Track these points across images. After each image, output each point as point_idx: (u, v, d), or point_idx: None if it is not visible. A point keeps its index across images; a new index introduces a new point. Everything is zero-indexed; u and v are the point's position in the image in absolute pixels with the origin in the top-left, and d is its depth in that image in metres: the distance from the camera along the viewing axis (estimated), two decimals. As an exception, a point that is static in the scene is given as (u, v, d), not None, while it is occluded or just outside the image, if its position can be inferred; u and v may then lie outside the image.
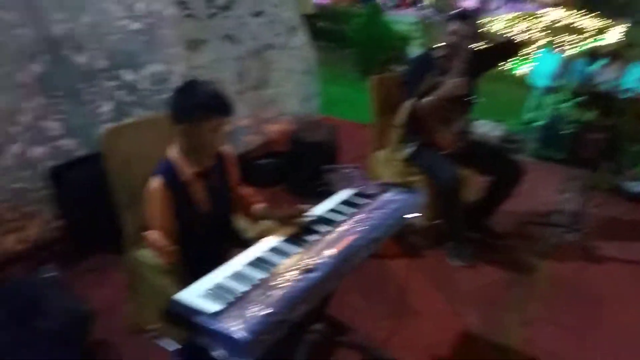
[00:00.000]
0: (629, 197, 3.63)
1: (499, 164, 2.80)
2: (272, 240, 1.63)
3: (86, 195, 2.68)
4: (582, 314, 2.45)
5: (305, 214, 1.72)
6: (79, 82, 2.81)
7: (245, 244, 1.87)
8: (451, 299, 2.52)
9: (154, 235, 1.65)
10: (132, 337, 2.15)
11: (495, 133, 4.45)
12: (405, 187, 1.98)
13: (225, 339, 1.17)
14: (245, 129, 3.94)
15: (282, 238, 1.63)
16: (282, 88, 4.22)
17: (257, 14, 3.93)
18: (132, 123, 2.16)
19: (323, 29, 8.69)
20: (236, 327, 1.17)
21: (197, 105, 1.57)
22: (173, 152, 1.68)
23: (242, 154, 3.83)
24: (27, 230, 2.61)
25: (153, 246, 1.66)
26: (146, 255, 1.90)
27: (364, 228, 1.64)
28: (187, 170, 1.67)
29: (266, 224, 1.88)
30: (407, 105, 2.71)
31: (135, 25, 3.12)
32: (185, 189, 1.68)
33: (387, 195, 1.90)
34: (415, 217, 1.87)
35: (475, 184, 2.92)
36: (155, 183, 1.63)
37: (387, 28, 7.27)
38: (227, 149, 1.83)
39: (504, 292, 2.60)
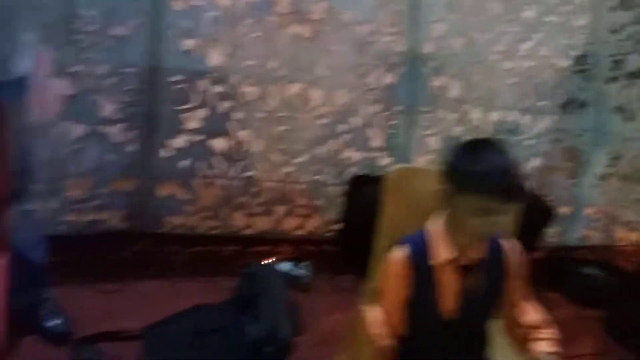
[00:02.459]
0: None
1: None
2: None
3: (373, 214, 2.55)
4: None
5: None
6: (426, 105, 2.64)
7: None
8: None
9: (373, 315, 1.30)
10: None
11: None
12: None
13: None
14: (588, 221, 3.10)
15: None
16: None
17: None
18: (425, 170, 1.82)
19: None
20: None
21: (469, 173, 1.11)
22: (434, 224, 1.26)
23: (567, 247, 3.05)
24: (309, 221, 2.65)
25: (369, 327, 1.31)
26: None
27: None
28: (442, 253, 1.22)
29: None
30: None
31: (510, 65, 2.75)
32: (430, 276, 1.24)
33: None
34: None
35: None
36: (398, 255, 1.25)
37: None
38: (512, 243, 1.29)
39: None
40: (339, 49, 2.45)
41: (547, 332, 1.26)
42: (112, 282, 2.19)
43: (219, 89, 2.29)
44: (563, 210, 2.99)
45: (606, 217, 3.11)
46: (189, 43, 2.20)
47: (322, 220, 2.68)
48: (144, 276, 2.28)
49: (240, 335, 1.73)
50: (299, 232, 2.66)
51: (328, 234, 2.71)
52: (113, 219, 2.31)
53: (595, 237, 3.13)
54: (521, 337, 1.29)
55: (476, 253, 1.21)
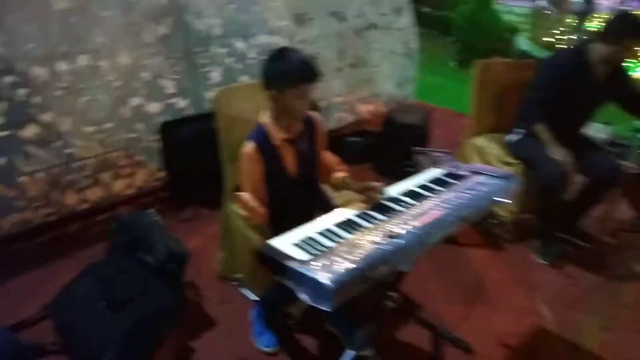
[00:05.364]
0: None
1: (598, 165, 2.66)
2: (356, 209, 1.69)
3: (189, 151, 2.93)
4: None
5: (382, 191, 1.75)
6: (195, 46, 3.03)
7: (332, 210, 1.98)
8: (529, 295, 2.48)
9: (245, 196, 1.72)
10: (218, 282, 2.36)
11: (601, 135, 4.18)
12: (499, 171, 1.96)
13: (312, 285, 1.28)
14: (339, 105, 4.03)
15: (363, 208, 1.69)
16: (379, 68, 4.24)
17: (365, -8, 3.97)
18: (240, 86, 2.32)
19: (425, 15, 8.52)
20: (323, 275, 1.27)
21: (286, 72, 1.63)
22: (265, 118, 1.79)
23: (332, 130, 3.94)
24: (136, 177, 2.89)
25: (244, 206, 1.71)
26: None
27: (451, 206, 1.67)
28: (278, 136, 1.76)
29: (348, 194, 1.88)
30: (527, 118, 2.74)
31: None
32: (275, 153, 1.77)
33: (479, 178, 1.90)
34: (505, 202, 1.86)
35: (572, 183, 2.78)
36: (249, 147, 1.73)
37: (495, 17, 7.01)
38: (316, 116, 1.90)
39: (587, 295, 2.51)
40: (109, 14, 2.62)
41: (341, 168, 1.96)
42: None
43: (9, 79, 2.29)
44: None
45: (348, 100, 4.08)
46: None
47: (149, 172, 2.95)
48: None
49: (143, 268, 2.02)
50: (131, 191, 2.89)
51: (160, 181, 3.00)
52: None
53: (348, 117, 4.10)
54: (326, 174, 1.95)
55: (296, 127, 1.79)
